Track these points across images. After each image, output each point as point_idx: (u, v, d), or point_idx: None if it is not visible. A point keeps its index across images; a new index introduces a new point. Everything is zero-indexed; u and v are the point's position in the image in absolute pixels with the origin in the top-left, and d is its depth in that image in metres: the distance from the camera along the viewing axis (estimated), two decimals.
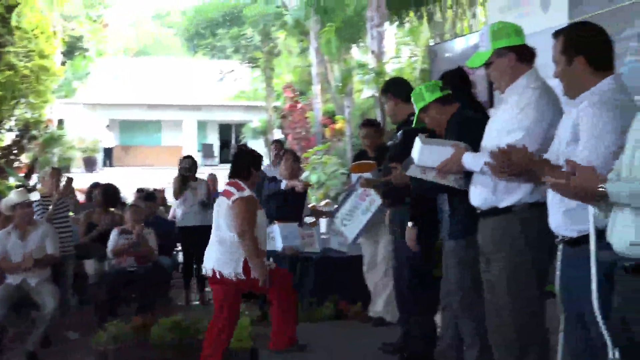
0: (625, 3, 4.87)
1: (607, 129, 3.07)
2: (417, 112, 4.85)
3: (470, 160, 3.88)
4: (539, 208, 3.57)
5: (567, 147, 3.25)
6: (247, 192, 5.68)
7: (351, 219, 6.43)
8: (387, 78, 18.60)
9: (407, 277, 5.53)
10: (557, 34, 3.34)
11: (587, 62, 3.24)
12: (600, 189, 2.66)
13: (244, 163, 5.85)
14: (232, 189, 5.73)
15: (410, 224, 5.20)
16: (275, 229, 7.54)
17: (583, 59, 3.25)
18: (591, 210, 2.96)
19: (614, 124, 3.06)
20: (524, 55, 3.83)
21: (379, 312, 7.05)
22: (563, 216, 3.28)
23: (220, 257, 5.68)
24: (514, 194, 3.74)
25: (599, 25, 3.40)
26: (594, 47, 3.27)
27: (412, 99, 4.89)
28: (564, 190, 2.83)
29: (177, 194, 9.24)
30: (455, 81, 4.79)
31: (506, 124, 3.78)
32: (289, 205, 7.71)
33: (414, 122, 4.95)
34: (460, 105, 4.71)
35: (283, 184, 7.69)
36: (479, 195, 3.89)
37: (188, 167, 9.31)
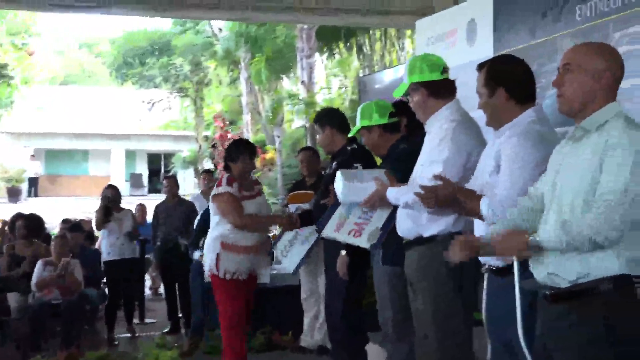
0: (548, 37, 5.02)
1: (527, 160, 3.15)
2: (359, 125, 4.86)
3: (394, 195, 3.92)
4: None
5: (490, 177, 3.32)
6: (222, 188, 5.57)
7: (290, 249, 6.38)
8: (317, 108, 18.75)
9: (339, 308, 5.51)
10: (480, 67, 3.42)
11: (508, 94, 3.33)
12: (533, 243, 2.71)
13: (226, 156, 5.76)
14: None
15: (343, 252, 5.20)
16: None
17: (504, 91, 3.33)
18: None
19: (535, 154, 3.14)
20: (437, 90, 3.91)
21: (319, 341, 7.02)
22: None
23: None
24: (437, 224, 3.79)
25: (521, 59, 3.50)
26: (515, 79, 3.35)
27: (359, 112, 4.89)
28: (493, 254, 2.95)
29: (100, 224, 8.88)
30: (407, 113, 4.80)
31: (428, 155, 3.85)
32: None
33: (353, 131, 5.01)
34: (401, 138, 4.77)
35: None
36: (404, 226, 3.94)
37: (111, 197, 8.87)
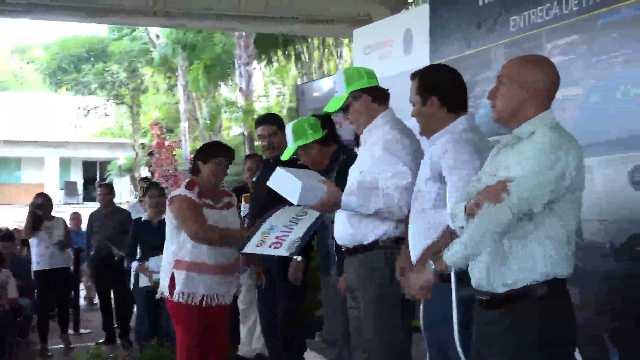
0: (483, 47, 5.10)
1: (466, 169, 3.19)
2: (294, 146, 4.65)
3: (355, 201, 3.74)
4: (403, 242, 3.63)
5: (425, 185, 3.36)
6: (179, 191, 4.75)
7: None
8: (255, 116, 18.71)
9: (280, 317, 5.46)
10: (413, 76, 3.48)
11: (440, 102, 3.39)
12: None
13: (197, 155, 4.95)
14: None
15: (298, 257, 5.12)
16: (150, 262, 7.14)
17: (437, 100, 3.38)
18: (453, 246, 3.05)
19: (473, 163, 3.19)
20: (378, 96, 3.94)
21: (257, 350, 6.97)
22: (424, 250, 3.36)
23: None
24: (377, 230, 3.80)
25: (453, 68, 3.56)
26: (447, 88, 3.42)
27: (290, 133, 4.65)
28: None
29: (29, 233, 8.59)
30: (328, 124, 4.78)
31: (368, 164, 3.83)
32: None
33: (287, 154, 4.73)
34: (338, 147, 4.76)
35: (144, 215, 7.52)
36: (344, 233, 3.92)
37: (41, 205, 8.58)
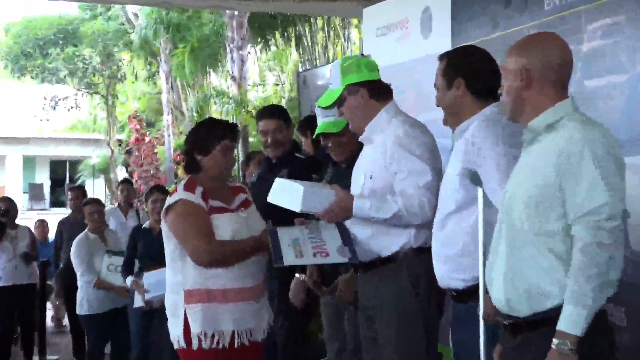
0: (513, 29, 5.10)
1: (501, 150, 3.18)
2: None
3: (368, 207, 3.74)
4: (427, 253, 3.64)
5: (451, 184, 3.36)
6: (178, 194, 4.10)
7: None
8: (250, 108, 18.76)
9: (284, 337, 5.44)
10: (442, 57, 3.52)
11: (467, 86, 3.40)
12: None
13: (191, 146, 4.23)
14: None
15: (302, 276, 5.06)
16: (144, 278, 7.05)
17: (463, 83, 3.40)
18: (480, 257, 3.06)
19: (510, 145, 3.17)
20: (377, 91, 3.94)
21: None
22: (446, 264, 3.38)
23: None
24: (398, 238, 3.80)
25: (486, 50, 3.56)
26: (476, 70, 3.42)
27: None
28: None
29: None
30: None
31: (378, 167, 3.82)
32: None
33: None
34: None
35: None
36: (360, 246, 3.89)
37: (7, 210, 8.59)
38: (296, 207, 3.74)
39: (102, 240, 7.60)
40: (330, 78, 4.04)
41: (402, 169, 3.73)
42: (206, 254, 3.97)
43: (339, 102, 3.96)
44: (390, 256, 3.83)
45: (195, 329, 3.99)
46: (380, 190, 3.77)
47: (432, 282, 3.61)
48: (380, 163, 3.82)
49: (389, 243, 3.82)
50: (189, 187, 4.11)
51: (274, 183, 3.93)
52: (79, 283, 7.44)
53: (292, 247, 3.88)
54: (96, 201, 8.12)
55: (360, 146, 4.12)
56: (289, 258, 3.87)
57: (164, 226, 4.15)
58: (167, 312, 4.16)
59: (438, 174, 3.73)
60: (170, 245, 4.12)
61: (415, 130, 3.84)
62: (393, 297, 3.81)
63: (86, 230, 7.63)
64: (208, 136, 4.16)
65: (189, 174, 4.24)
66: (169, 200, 4.14)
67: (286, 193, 3.82)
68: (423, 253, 3.72)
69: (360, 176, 3.93)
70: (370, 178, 3.85)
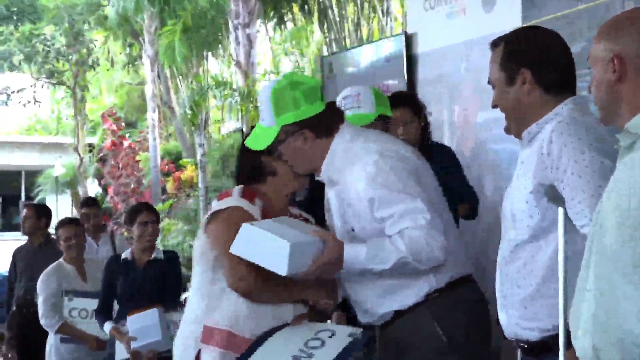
0: (598, 1, 5.12)
1: (587, 157, 3.13)
2: (375, 113, 5.15)
3: (365, 256, 3.76)
4: (457, 288, 3.75)
5: (520, 207, 3.33)
6: (232, 200, 4.11)
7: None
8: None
9: None
10: (495, 44, 3.45)
11: (534, 79, 3.35)
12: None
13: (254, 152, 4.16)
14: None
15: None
16: (128, 324, 7.04)
17: (529, 75, 3.36)
18: (561, 299, 3.07)
19: (597, 150, 3.13)
20: (324, 126, 3.93)
21: None
22: (516, 309, 3.39)
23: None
24: (415, 288, 3.82)
25: (554, 32, 3.52)
26: (546, 58, 3.38)
27: (371, 96, 5.19)
28: None
29: None
30: None
31: (358, 217, 3.85)
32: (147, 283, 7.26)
33: (362, 120, 5.15)
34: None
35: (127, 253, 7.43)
36: (367, 306, 3.96)
37: None
38: (281, 270, 3.65)
39: (81, 273, 7.62)
40: (260, 109, 4.02)
41: (390, 213, 3.74)
42: (245, 283, 3.94)
43: (277, 143, 3.95)
44: (411, 306, 3.85)
45: None
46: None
47: (473, 318, 3.72)
48: (358, 210, 3.83)
49: (405, 296, 3.85)
50: (247, 196, 4.10)
51: (240, 230, 3.76)
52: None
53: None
54: (74, 221, 8.14)
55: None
56: None
57: (201, 236, 4.16)
58: (175, 343, 4.18)
59: (432, 204, 3.75)
60: (201, 265, 4.13)
61: (386, 159, 3.81)
62: (425, 346, 3.83)
63: (61, 259, 7.66)
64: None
65: (248, 183, 4.23)
66: (218, 206, 4.14)
67: (261, 248, 3.70)
68: (454, 288, 3.80)
69: (338, 223, 3.96)
70: (353, 230, 3.87)
